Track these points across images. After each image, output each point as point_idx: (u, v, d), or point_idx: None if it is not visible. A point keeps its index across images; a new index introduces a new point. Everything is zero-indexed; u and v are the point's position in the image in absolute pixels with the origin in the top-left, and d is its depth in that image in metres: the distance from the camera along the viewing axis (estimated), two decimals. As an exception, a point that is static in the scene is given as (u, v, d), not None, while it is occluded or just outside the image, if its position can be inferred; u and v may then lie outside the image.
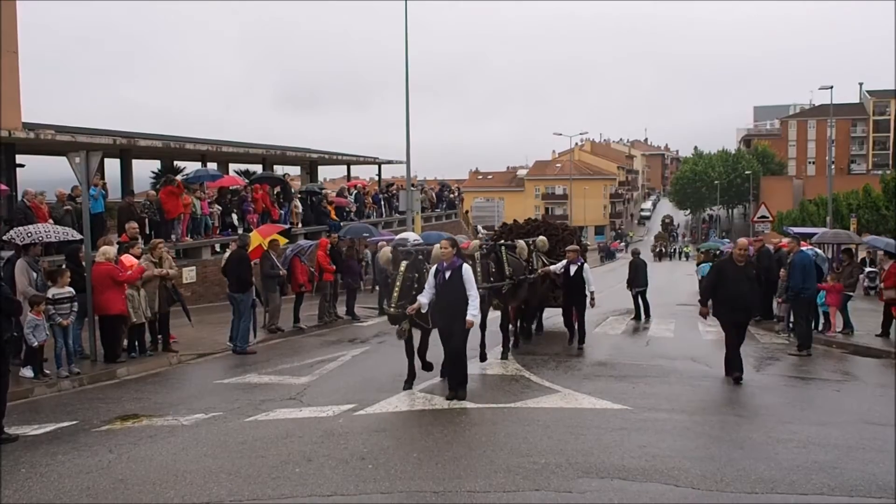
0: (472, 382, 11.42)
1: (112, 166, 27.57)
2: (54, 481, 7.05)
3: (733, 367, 11.49)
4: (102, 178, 20.51)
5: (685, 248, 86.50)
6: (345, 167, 44.66)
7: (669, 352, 14.56)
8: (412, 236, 22.57)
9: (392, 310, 10.10)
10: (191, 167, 32.70)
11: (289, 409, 9.79)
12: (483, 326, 12.81)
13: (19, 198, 19.25)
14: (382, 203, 36.55)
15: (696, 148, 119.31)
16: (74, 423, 9.39)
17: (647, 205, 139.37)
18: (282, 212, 27.02)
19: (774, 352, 14.59)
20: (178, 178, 26.44)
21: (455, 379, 10.13)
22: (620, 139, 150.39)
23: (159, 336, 14.07)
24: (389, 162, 42.99)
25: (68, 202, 19.09)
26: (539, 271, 15.31)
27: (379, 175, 45.01)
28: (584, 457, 7.41)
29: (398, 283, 10.14)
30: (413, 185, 31.74)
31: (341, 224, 27.57)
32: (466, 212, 50.90)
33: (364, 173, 64.59)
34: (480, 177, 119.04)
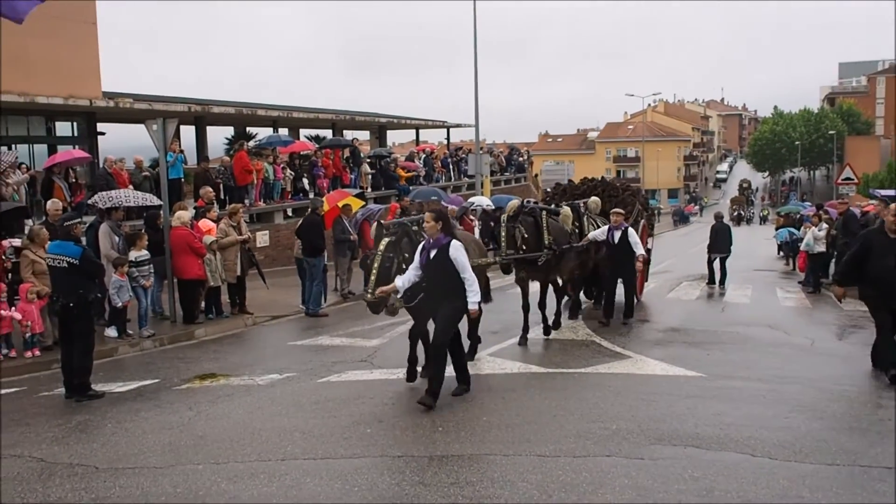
0: (542, 348, 11.41)
1: (187, 133, 28.13)
2: (138, 437, 7.32)
3: (885, 358, 9.30)
4: (179, 144, 20.93)
5: (764, 212, 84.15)
6: (413, 131, 44.66)
7: (746, 318, 14.24)
8: (484, 201, 22.52)
9: (369, 296, 8.53)
10: (263, 133, 33.23)
11: (360, 370, 9.93)
12: (542, 304, 11.97)
13: (101, 164, 19.84)
14: (451, 167, 36.43)
15: (775, 107, 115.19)
16: (156, 381, 9.71)
17: (723, 167, 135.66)
18: (352, 176, 27.23)
19: (859, 319, 14.06)
20: (251, 143, 26.88)
21: (430, 381, 8.17)
22: (695, 99, 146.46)
23: (237, 298, 14.42)
24: (458, 126, 42.81)
25: (147, 168, 19.57)
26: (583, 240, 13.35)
27: (448, 139, 44.90)
28: (656, 424, 7.32)
29: (376, 265, 8.62)
30: (482, 149, 31.54)
31: (410, 188, 27.61)
32: (536, 175, 50.38)
33: (433, 137, 64.48)
34: (550, 140, 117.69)
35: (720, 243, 20.00)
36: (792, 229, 27.78)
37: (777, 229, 30.96)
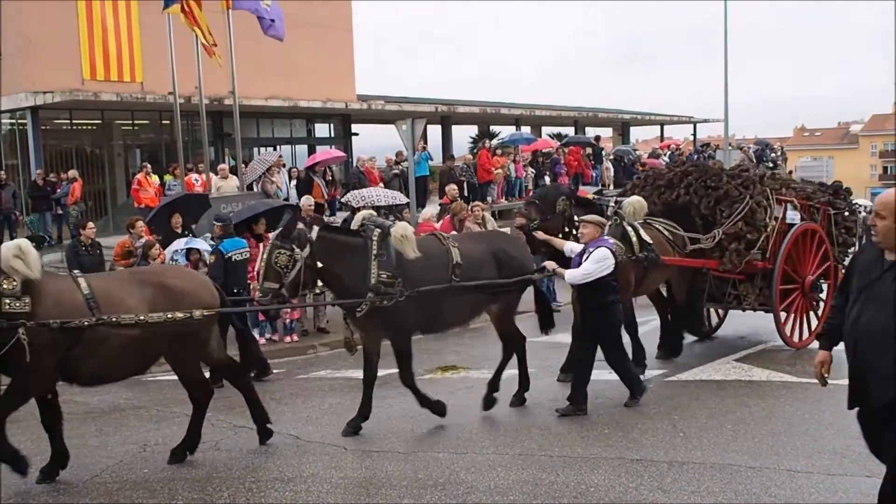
0: (795, 356, 10.57)
1: (434, 132, 29.32)
2: (384, 422, 7.73)
3: None
4: (425, 143, 21.87)
5: None
6: (658, 127, 43.65)
7: None
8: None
9: None
10: (506, 131, 33.88)
11: (600, 370, 9.72)
12: None
13: (354, 163, 21.20)
14: (697, 163, 35.15)
15: None
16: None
17: None
18: (593, 174, 27.02)
19: None
20: (494, 141, 27.51)
21: None
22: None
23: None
24: (705, 121, 41.23)
25: (395, 166, 20.62)
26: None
27: (694, 135, 43.36)
28: (930, 445, 6.58)
29: None
30: (731, 145, 30.11)
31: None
32: (790, 172, 47.25)
33: (678, 133, 62.56)
34: (807, 134, 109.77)
35: None
36: None
37: None
